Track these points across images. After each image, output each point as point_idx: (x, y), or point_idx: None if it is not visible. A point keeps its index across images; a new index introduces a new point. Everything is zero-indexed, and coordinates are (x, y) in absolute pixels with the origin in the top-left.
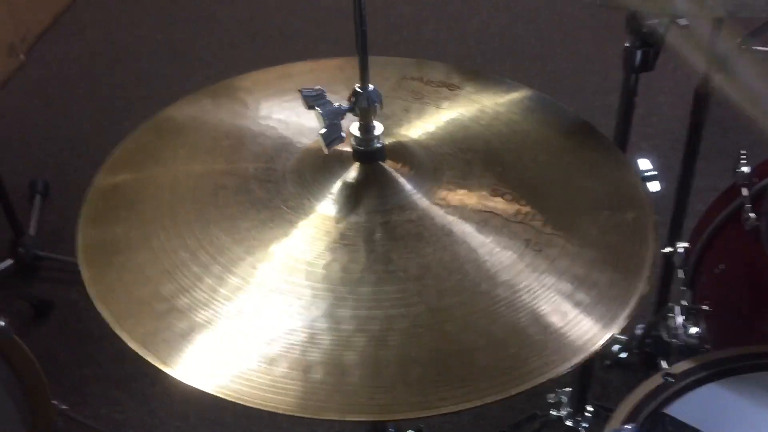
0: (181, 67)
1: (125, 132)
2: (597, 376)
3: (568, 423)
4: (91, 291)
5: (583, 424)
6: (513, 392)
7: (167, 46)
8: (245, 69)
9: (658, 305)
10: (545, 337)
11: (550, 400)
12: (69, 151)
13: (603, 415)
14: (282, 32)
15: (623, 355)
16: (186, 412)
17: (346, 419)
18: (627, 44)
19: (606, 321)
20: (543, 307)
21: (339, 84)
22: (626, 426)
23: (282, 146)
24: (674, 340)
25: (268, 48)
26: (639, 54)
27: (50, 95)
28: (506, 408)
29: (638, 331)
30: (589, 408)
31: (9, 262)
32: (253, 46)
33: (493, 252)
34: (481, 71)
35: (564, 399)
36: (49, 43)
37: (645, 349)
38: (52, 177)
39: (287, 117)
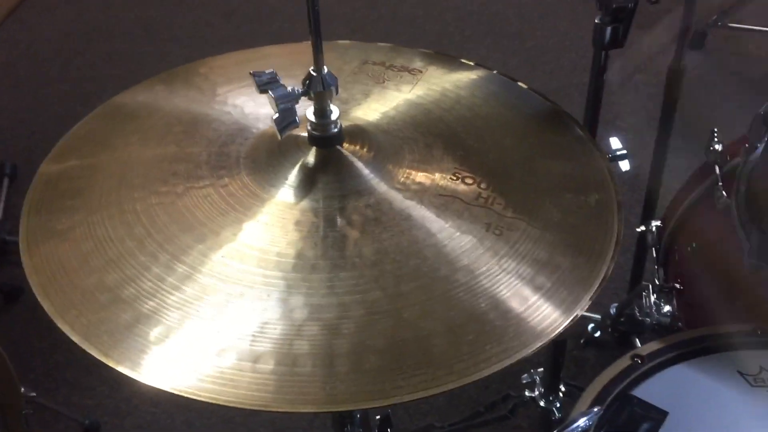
0: (155, 47)
1: None
2: (572, 355)
3: (542, 404)
4: (33, 281)
5: (556, 404)
6: (471, 380)
7: (141, 26)
8: (220, 49)
9: (632, 284)
10: (505, 323)
11: (524, 381)
12: (39, 134)
13: (577, 394)
14: (258, 11)
15: (598, 334)
16: (158, 398)
17: (298, 411)
18: (597, 20)
19: (568, 305)
20: (503, 292)
21: (302, 69)
22: (593, 408)
23: (237, 132)
24: (647, 319)
25: (243, 27)
26: (608, 30)
27: (20, 76)
28: (481, 388)
29: (612, 310)
30: (563, 388)
31: None
32: (228, 26)
33: (453, 236)
34: (443, 54)
35: (537, 379)
36: (19, 23)
37: (619, 327)
38: (21, 160)
39: (244, 103)
